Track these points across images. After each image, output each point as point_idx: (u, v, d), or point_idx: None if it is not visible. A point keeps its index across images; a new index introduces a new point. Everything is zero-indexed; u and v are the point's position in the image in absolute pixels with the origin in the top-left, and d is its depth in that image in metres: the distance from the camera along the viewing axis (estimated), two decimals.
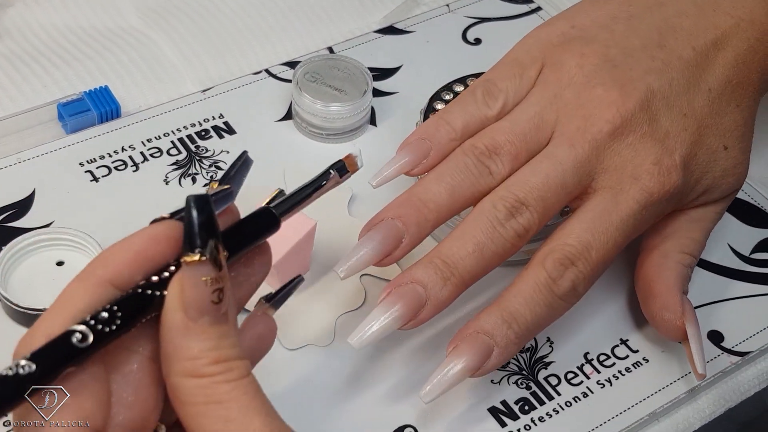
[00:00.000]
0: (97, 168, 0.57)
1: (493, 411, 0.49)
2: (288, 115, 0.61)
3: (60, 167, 0.57)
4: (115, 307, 0.32)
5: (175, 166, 0.58)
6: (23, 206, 0.54)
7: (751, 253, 0.57)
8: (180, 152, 0.58)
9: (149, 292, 0.33)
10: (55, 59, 0.63)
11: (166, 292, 0.34)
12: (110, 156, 0.58)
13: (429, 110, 0.55)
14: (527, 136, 0.47)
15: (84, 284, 0.34)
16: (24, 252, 0.51)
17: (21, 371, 0.30)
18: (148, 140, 0.59)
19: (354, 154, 0.42)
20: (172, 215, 0.36)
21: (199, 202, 0.33)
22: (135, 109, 0.60)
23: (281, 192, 0.39)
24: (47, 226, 0.54)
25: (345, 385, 0.49)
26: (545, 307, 0.45)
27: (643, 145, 0.47)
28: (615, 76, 0.48)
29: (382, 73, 0.65)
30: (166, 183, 0.57)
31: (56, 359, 0.30)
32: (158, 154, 0.58)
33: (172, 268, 0.34)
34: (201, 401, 0.34)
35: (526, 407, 0.49)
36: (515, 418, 0.48)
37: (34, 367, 0.30)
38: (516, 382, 0.50)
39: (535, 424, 0.48)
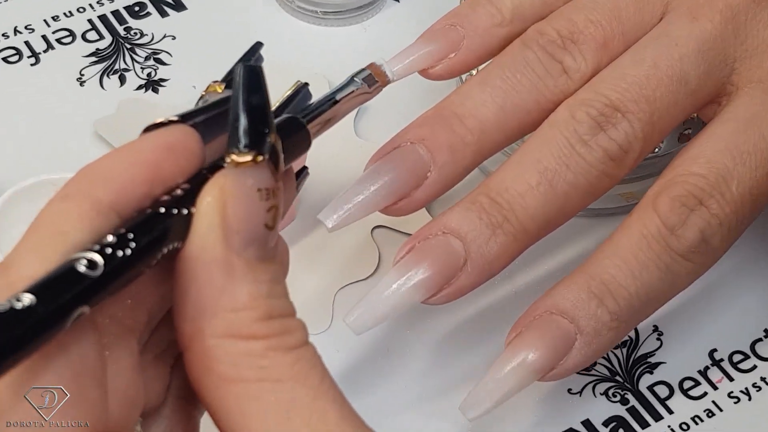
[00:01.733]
0: None
1: None
2: None
3: None
4: (125, 231, 0.28)
5: (94, 58, 0.52)
6: None
7: None
8: (102, 37, 0.53)
9: (164, 210, 0.29)
10: None
11: (194, 210, 0.29)
12: None
13: None
14: (622, 13, 0.41)
15: (78, 209, 0.28)
16: None
17: (17, 305, 0.26)
18: (54, 18, 0.53)
19: (378, 63, 0.41)
20: (183, 118, 0.30)
21: (252, 76, 0.30)
22: None
23: (304, 86, 0.36)
24: None
25: (349, 389, 0.39)
26: (659, 272, 0.38)
27: None
28: None
29: None
30: (81, 84, 0.51)
31: (62, 292, 0.27)
32: (69, 39, 0.53)
33: (186, 187, 0.30)
34: (252, 377, 0.29)
35: (621, 431, 0.42)
36: None
37: (34, 300, 0.26)
38: (606, 393, 0.44)
39: None
